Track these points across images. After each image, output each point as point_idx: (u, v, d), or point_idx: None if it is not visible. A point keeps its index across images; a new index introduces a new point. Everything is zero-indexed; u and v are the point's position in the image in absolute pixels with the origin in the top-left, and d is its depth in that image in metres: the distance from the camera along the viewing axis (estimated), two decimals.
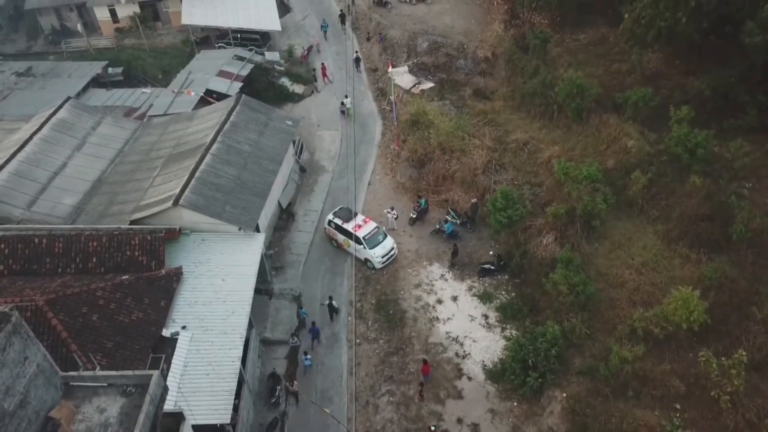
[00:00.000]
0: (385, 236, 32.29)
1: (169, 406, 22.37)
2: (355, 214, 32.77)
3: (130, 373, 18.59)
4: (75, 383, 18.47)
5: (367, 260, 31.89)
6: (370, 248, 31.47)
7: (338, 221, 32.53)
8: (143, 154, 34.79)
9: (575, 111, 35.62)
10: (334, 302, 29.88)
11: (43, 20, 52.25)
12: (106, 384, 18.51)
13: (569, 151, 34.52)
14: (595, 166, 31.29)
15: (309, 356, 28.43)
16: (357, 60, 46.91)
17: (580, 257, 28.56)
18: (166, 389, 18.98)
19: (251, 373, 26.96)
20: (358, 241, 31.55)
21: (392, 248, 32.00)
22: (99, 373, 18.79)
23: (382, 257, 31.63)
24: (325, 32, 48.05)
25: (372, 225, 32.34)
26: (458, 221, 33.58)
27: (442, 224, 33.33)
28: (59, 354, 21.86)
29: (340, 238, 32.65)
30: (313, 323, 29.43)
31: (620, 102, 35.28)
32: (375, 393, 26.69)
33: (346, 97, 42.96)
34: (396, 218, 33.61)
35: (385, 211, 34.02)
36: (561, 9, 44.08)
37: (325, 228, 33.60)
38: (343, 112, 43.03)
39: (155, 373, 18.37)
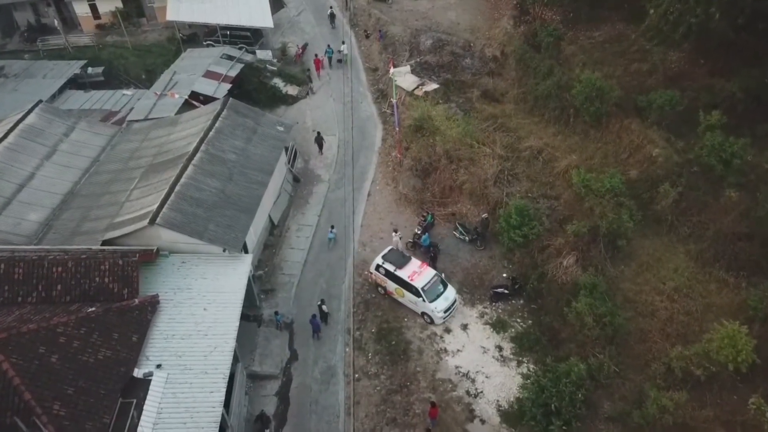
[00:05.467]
0: (446, 285, 27.55)
1: None
2: (409, 257, 28.30)
3: None
4: None
5: (424, 314, 27.42)
6: (430, 301, 26.78)
7: (389, 267, 27.78)
8: (121, 163, 31.74)
9: (594, 115, 32.69)
10: (324, 307, 27.56)
11: (18, 16, 48.99)
12: None
13: (588, 159, 31.64)
14: (618, 177, 28.36)
15: (334, 230, 31.20)
16: (332, 15, 48.01)
17: (605, 282, 25.59)
18: None
19: (236, 414, 23.98)
20: (415, 292, 27.10)
21: (455, 300, 27.31)
22: None
23: (444, 312, 26.81)
24: (330, 58, 44.49)
25: (430, 272, 27.59)
26: (467, 237, 30.57)
27: (419, 236, 30.48)
28: (10, 404, 18.98)
29: (391, 286, 27.95)
30: (314, 316, 27.29)
31: (643, 105, 32.34)
32: None
33: (343, 43, 43.51)
34: (401, 238, 30.45)
35: (392, 233, 30.61)
36: (573, 4, 41.08)
37: (371, 273, 28.82)
38: (339, 61, 43.90)
39: None
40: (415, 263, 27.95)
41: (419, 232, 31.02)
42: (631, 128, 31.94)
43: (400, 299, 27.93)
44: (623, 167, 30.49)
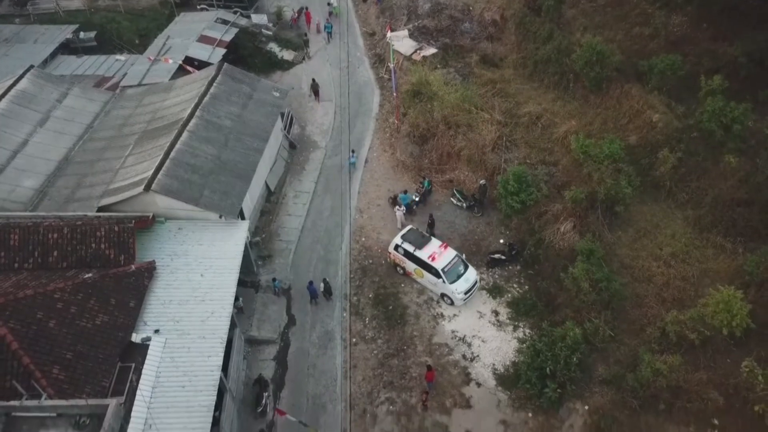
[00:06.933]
0: (467, 266, 26.79)
1: (139, 424, 19.84)
2: (429, 237, 27.61)
3: (82, 402, 15.78)
4: (18, 414, 15.72)
5: (443, 295, 26.88)
6: (451, 282, 26.14)
7: (408, 247, 27.02)
8: (115, 129, 31.31)
9: (594, 80, 32.17)
10: (321, 285, 27.27)
11: None
12: (54, 414, 15.75)
13: (587, 125, 31.25)
14: (617, 143, 28.03)
15: (355, 154, 33.06)
16: None
17: (602, 248, 25.53)
18: (126, 419, 16.24)
19: (235, 379, 24.16)
20: (435, 273, 26.39)
21: (476, 281, 26.65)
22: (46, 402, 15.91)
23: (465, 293, 26.21)
24: (329, 33, 43.38)
25: (451, 253, 26.78)
26: (464, 204, 30.44)
27: (399, 198, 30.40)
28: (9, 368, 19.02)
29: (410, 266, 27.27)
30: (311, 282, 27.12)
31: (644, 70, 31.81)
32: (373, 400, 23.96)
33: None
34: (404, 212, 30.05)
35: (395, 208, 30.22)
36: None
37: (389, 253, 28.04)
38: (330, 14, 44.02)
39: (112, 402, 15.55)
40: (435, 243, 27.18)
41: (417, 199, 30.90)
42: (631, 93, 31.46)
43: (419, 280, 27.39)
44: (623, 133, 30.16)
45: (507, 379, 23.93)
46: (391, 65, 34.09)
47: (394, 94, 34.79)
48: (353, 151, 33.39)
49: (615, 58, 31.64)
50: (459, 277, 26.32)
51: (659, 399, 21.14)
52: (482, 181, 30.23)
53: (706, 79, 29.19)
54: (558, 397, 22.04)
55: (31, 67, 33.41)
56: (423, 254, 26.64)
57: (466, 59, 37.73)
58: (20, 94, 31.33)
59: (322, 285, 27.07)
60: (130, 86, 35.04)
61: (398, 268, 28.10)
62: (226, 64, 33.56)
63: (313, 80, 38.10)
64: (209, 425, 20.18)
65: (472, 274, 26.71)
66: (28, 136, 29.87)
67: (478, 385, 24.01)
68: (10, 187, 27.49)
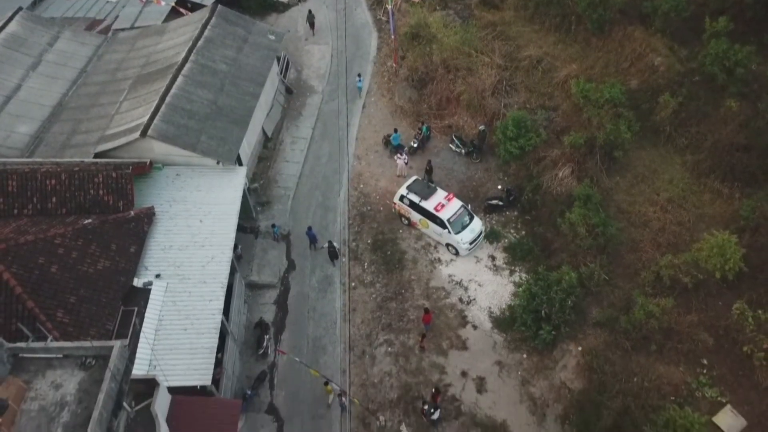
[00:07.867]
0: (472, 216, 26.84)
1: (143, 365, 20.44)
2: (434, 188, 27.43)
3: (87, 344, 16.11)
4: (25, 355, 16.11)
5: (449, 245, 26.93)
6: (456, 233, 26.13)
7: (414, 198, 26.92)
8: (108, 74, 30.80)
9: (596, 23, 31.31)
10: (335, 243, 27.01)
11: None
12: (61, 355, 16.14)
13: (588, 69, 30.60)
14: (618, 87, 27.64)
15: (361, 78, 33.23)
16: None
17: (600, 193, 25.58)
18: (131, 360, 16.64)
19: (236, 322, 24.68)
20: (440, 223, 26.42)
21: (481, 231, 26.73)
22: (52, 344, 16.29)
23: (470, 243, 26.28)
24: None
25: (457, 203, 26.71)
26: (463, 150, 30.29)
27: (390, 137, 30.54)
28: (14, 312, 19.43)
29: (415, 216, 27.22)
30: (310, 228, 27.33)
31: (647, 12, 30.96)
32: (372, 342, 24.54)
33: None
34: (407, 163, 29.68)
35: (396, 156, 29.89)
36: None
37: (395, 203, 27.95)
38: None
39: (117, 344, 15.91)
40: (440, 194, 27.06)
41: (415, 145, 30.73)
42: (634, 36, 30.70)
43: (424, 230, 27.42)
44: (624, 77, 29.62)
45: (503, 321, 24.44)
46: (389, 7, 33.11)
47: (392, 36, 34.02)
48: (360, 75, 33.63)
49: None
50: (464, 227, 26.37)
51: (651, 340, 21.61)
52: (481, 127, 29.97)
53: (710, 21, 28.54)
54: (552, 339, 22.58)
55: (20, 9, 32.58)
56: (428, 205, 26.60)
57: (466, 0, 36.73)
58: (10, 38, 30.68)
59: (326, 245, 26.86)
60: (123, 29, 34.27)
61: (403, 219, 28.09)
62: (219, 5, 32.70)
63: (310, 11, 37.76)
64: (212, 366, 20.74)
65: (477, 225, 26.76)
66: (20, 80, 29.44)
67: (475, 327, 24.54)
68: (5, 133, 27.28)
